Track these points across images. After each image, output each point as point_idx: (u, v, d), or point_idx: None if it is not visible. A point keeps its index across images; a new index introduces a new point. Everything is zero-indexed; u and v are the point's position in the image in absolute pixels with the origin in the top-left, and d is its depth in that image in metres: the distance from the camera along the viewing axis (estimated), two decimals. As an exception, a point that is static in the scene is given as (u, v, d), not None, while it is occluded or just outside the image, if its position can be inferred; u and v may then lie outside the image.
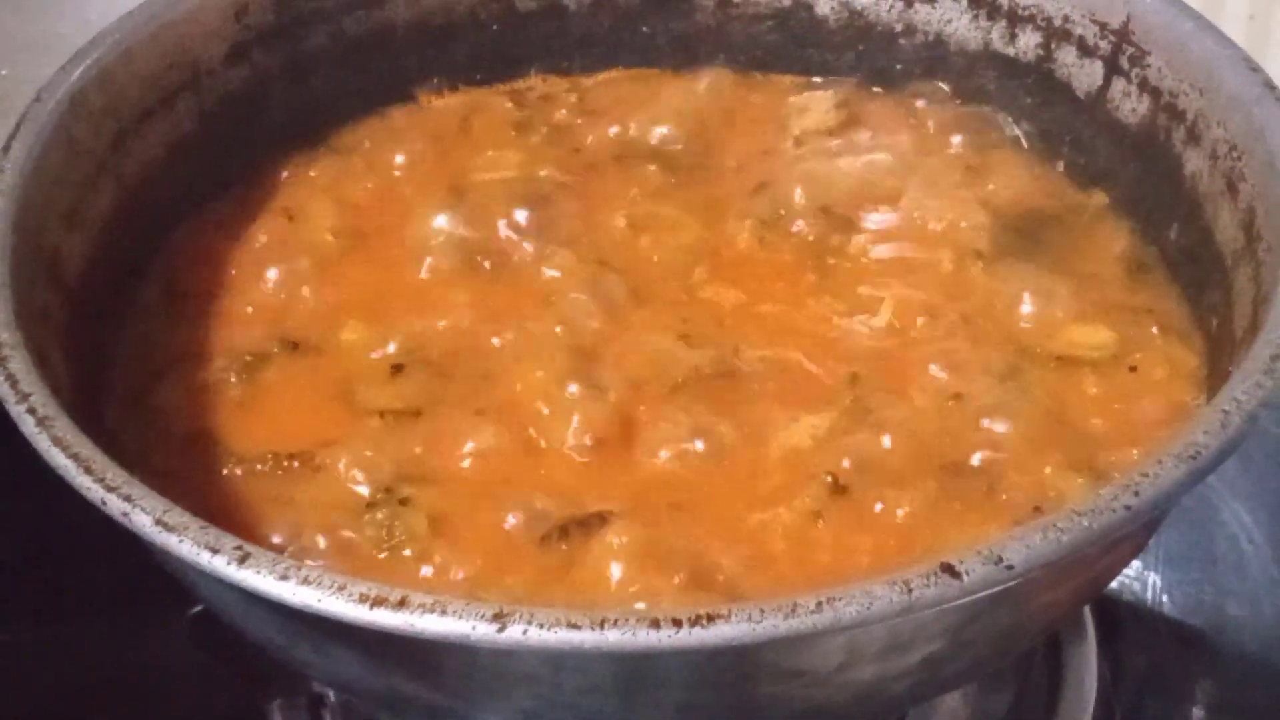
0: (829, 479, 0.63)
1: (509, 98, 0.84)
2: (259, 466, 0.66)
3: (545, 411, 0.67)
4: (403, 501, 0.63)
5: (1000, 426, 0.66)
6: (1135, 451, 0.65)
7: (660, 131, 0.82)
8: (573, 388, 0.67)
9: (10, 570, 0.85)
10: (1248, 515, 0.88)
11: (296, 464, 0.65)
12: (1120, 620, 0.85)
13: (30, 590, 0.84)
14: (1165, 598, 0.87)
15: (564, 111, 0.83)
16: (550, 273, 0.74)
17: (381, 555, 0.62)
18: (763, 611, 0.50)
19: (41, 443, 0.56)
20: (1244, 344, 0.62)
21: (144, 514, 0.54)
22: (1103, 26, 0.77)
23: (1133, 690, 0.83)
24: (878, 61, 0.84)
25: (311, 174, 0.81)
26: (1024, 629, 0.62)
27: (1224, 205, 0.69)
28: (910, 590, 0.50)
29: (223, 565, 0.52)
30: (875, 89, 0.84)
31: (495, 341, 0.71)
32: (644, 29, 0.86)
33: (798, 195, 0.77)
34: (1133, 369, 0.69)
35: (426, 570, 0.61)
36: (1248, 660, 0.84)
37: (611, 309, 0.72)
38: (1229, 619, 0.85)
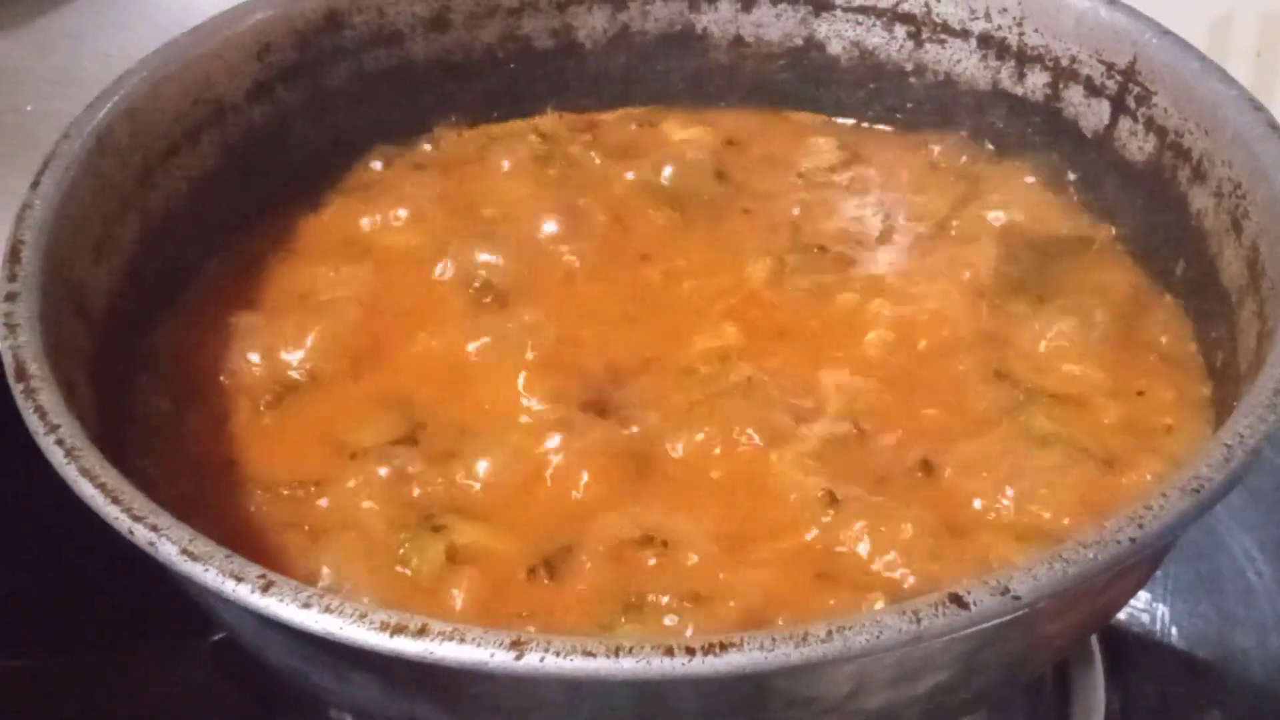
0: (822, 493, 0.65)
1: (526, 134, 0.85)
2: (283, 493, 0.67)
3: (557, 443, 0.68)
4: (436, 529, 0.64)
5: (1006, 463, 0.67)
6: (1149, 475, 0.66)
7: (673, 169, 0.83)
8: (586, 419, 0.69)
9: (31, 597, 0.85)
10: (1254, 547, 0.88)
11: (319, 490, 0.67)
12: (1128, 651, 0.85)
13: (49, 617, 0.85)
14: (1174, 629, 0.88)
15: (580, 148, 0.84)
16: (564, 309, 0.75)
17: (404, 580, 0.63)
18: (774, 640, 0.51)
19: (70, 473, 0.58)
20: (1248, 378, 0.63)
21: (170, 543, 0.55)
22: (1110, 66, 0.78)
23: (1142, 720, 0.84)
24: (888, 100, 0.85)
25: (331, 207, 0.82)
26: (1031, 658, 0.63)
27: (1229, 242, 0.70)
28: (919, 620, 0.51)
29: (246, 593, 0.53)
30: (885, 127, 0.86)
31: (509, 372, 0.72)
32: (659, 67, 0.87)
33: (808, 234, 0.79)
34: (1140, 393, 0.70)
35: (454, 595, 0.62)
36: (1255, 690, 0.85)
37: (625, 348, 0.73)
38: (1236, 649, 0.86)
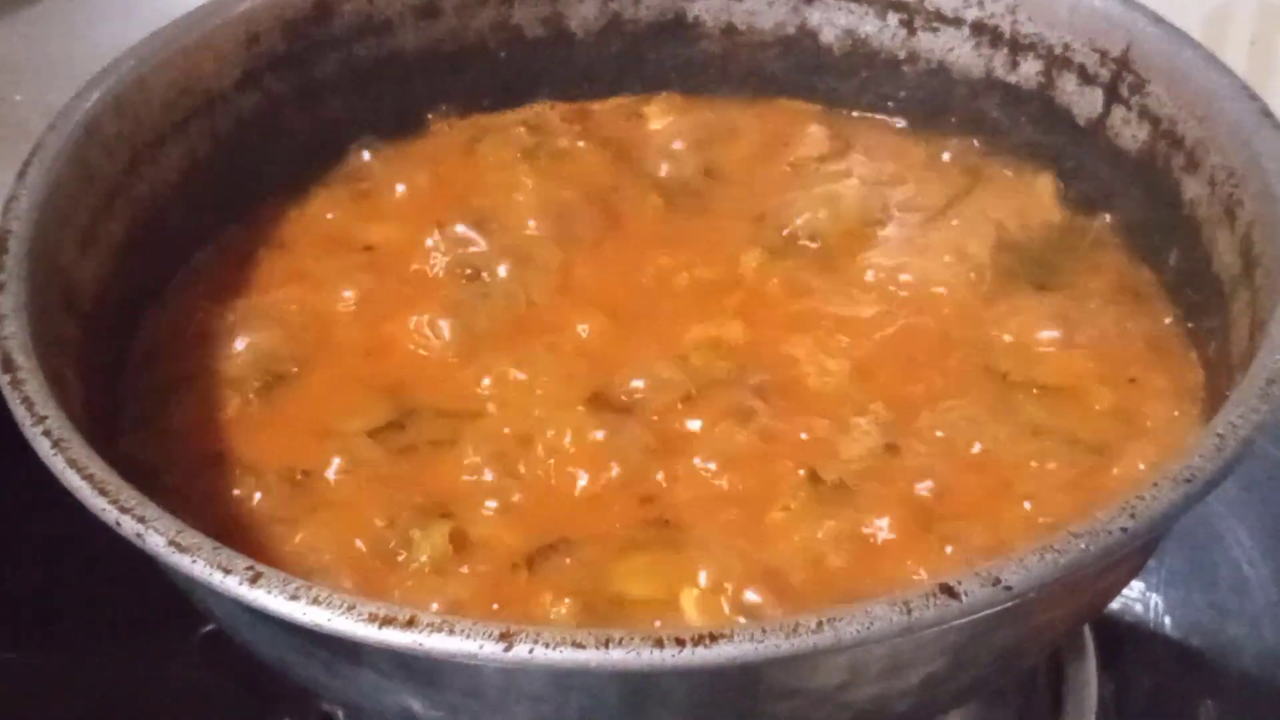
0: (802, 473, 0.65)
1: (517, 124, 0.85)
2: (273, 482, 0.66)
3: (547, 431, 0.68)
4: (430, 517, 0.64)
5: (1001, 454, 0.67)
6: (1141, 463, 0.66)
7: (663, 159, 0.83)
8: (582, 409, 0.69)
9: (22, 591, 0.85)
10: (1248, 537, 0.88)
11: (308, 479, 0.67)
12: (1122, 641, 0.86)
13: (38, 612, 0.85)
14: (1167, 619, 0.88)
15: (570, 138, 0.84)
16: (554, 298, 0.75)
17: (393, 570, 0.63)
18: (764, 631, 0.50)
19: (57, 465, 0.57)
20: (1241, 368, 0.63)
21: (158, 535, 0.55)
22: (1103, 55, 0.78)
23: (1135, 710, 0.84)
24: (881, 89, 0.85)
25: (321, 197, 0.81)
26: (1024, 648, 0.63)
27: (1222, 231, 0.70)
28: (910, 610, 0.51)
29: (234, 585, 0.53)
30: (878, 116, 0.85)
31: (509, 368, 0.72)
32: (650, 56, 0.87)
33: (799, 224, 0.78)
34: (1132, 381, 0.70)
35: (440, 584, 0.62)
36: (1248, 681, 0.85)
37: (616, 338, 0.73)
38: (1229, 640, 0.86)
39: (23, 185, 0.68)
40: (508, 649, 0.50)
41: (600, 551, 0.63)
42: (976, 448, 0.67)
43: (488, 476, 0.66)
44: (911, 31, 0.84)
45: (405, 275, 0.77)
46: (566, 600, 0.60)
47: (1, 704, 0.82)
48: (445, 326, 0.74)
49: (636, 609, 0.61)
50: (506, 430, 0.68)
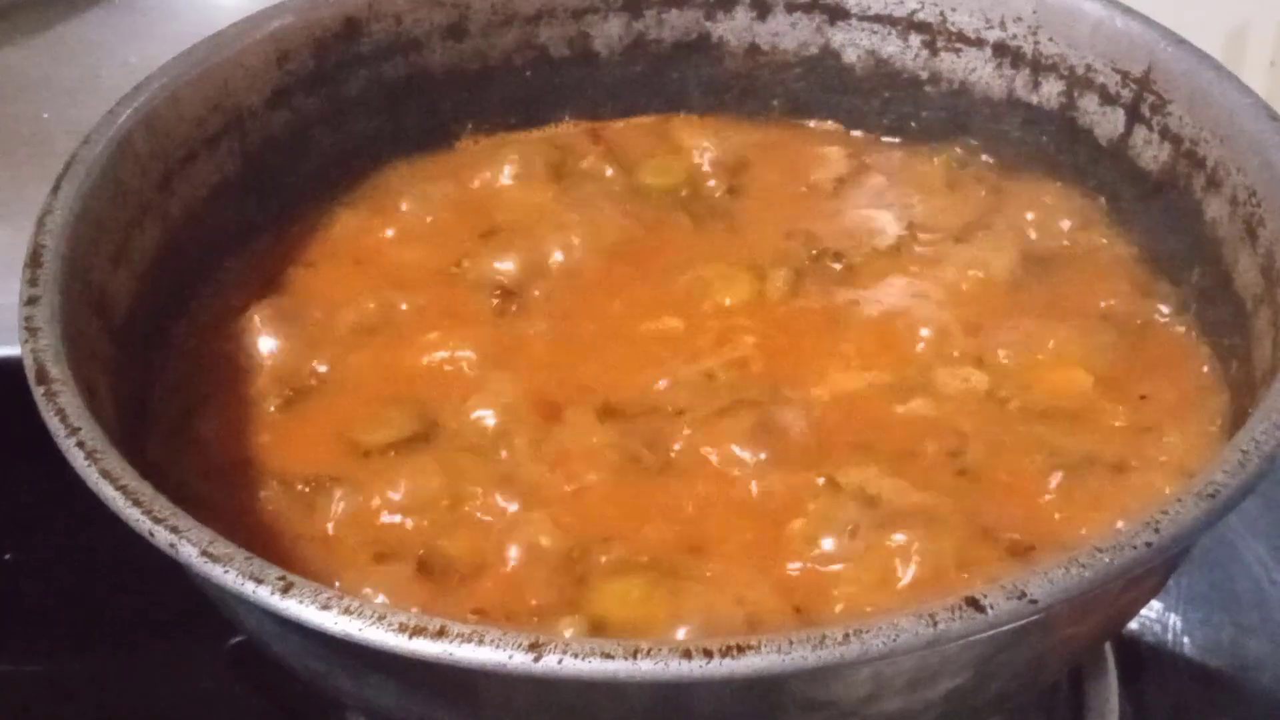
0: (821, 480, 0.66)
1: (542, 142, 0.86)
2: (298, 491, 0.67)
3: (571, 446, 0.68)
4: (454, 526, 0.65)
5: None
6: (1160, 481, 0.66)
7: (686, 178, 0.84)
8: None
9: (47, 602, 0.86)
10: (1268, 555, 0.88)
11: (333, 489, 0.67)
12: (1142, 660, 0.86)
13: (65, 622, 0.86)
14: (1186, 638, 0.88)
15: (594, 157, 0.85)
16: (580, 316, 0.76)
17: (417, 582, 0.63)
18: (791, 643, 0.51)
19: (91, 475, 0.58)
20: (1263, 385, 0.63)
21: (190, 545, 0.55)
22: (1124, 75, 0.78)
23: (1156, 730, 0.84)
24: (903, 109, 0.86)
25: (348, 214, 0.82)
26: (1047, 663, 0.63)
27: (1244, 250, 0.70)
28: (936, 623, 0.52)
29: (266, 595, 0.54)
30: (898, 138, 0.86)
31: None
32: (674, 75, 0.87)
33: (824, 244, 0.79)
34: (1142, 398, 0.70)
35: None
36: (1269, 700, 0.85)
37: (642, 355, 0.73)
38: (1250, 659, 0.86)
39: (56, 200, 0.69)
40: (537, 659, 0.51)
41: (620, 556, 0.64)
42: (993, 468, 0.67)
43: (513, 485, 0.67)
44: (934, 52, 0.84)
45: (429, 291, 0.77)
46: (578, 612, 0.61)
47: (27, 716, 0.82)
48: (469, 343, 0.74)
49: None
50: (530, 443, 0.69)
